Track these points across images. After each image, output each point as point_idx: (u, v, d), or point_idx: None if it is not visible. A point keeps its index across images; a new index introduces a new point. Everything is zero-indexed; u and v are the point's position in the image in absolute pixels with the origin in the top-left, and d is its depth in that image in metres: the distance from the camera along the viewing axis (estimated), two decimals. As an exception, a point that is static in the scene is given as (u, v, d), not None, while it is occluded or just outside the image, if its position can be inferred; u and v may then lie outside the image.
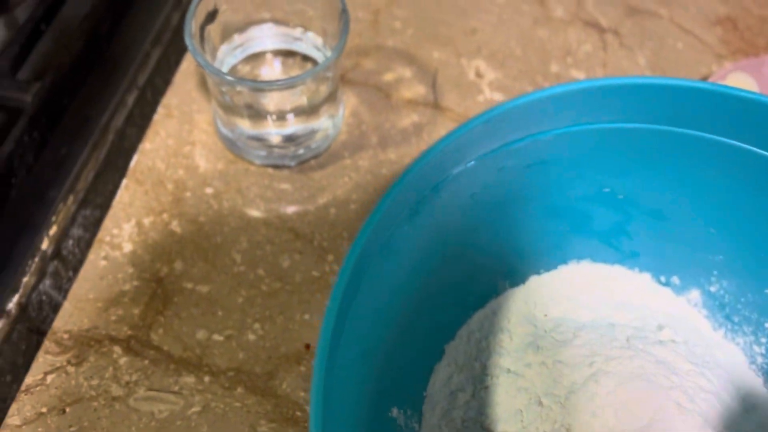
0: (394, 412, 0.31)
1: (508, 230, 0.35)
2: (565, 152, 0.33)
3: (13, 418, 0.33)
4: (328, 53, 0.40)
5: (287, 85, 0.35)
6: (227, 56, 0.40)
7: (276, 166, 0.41)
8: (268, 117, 0.39)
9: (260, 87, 0.35)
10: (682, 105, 0.31)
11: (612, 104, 0.32)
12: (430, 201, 0.29)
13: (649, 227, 0.36)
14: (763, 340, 0.35)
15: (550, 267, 0.37)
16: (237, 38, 0.40)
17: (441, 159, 0.28)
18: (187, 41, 0.35)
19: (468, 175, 0.30)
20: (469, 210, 0.32)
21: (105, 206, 0.43)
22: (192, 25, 0.36)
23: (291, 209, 0.41)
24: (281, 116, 0.39)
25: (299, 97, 0.37)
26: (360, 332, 0.28)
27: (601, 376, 0.31)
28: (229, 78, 0.35)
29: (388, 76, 0.47)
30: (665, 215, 0.35)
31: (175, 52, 0.49)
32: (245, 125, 0.39)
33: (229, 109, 0.39)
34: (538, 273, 0.37)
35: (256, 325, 0.37)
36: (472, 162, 0.30)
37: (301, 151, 0.41)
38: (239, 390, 0.35)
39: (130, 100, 0.45)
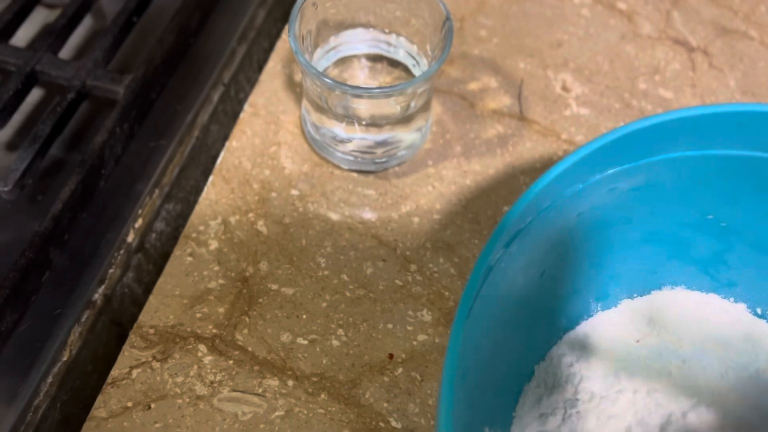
0: (486, 431, 0.31)
1: (606, 252, 0.34)
2: (675, 177, 0.32)
3: (99, 410, 0.33)
4: (422, 60, 0.40)
5: (386, 93, 0.35)
6: (321, 59, 0.40)
7: (360, 171, 0.41)
8: (360, 122, 0.38)
9: (359, 93, 0.35)
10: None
11: (725, 131, 0.31)
12: (539, 220, 0.29)
13: (750, 258, 0.35)
14: None
15: (643, 292, 0.36)
16: (332, 41, 0.40)
17: (557, 181, 0.28)
18: (291, 41, 0.35)
19: (579, 195, 0.30)
20: (573, 230, 0.32)
21: (187, 201, 0.43)
22: (296, 26, 0.35)
23: (374, 216, 0.40)
24: (372, 123, 0.38)
25: (393, 106, 0.37)
26: (463, 352, 0.27)
27: (703, 409, 0.30)
28: (329, 81, 0.35)
29: (473, 86, 0.46)
30: (767, 247, 0.34)
31: (258, 50, 0.49)
32: (336, 128, 0.39)
33: (322, 110, 0.38)
34: (631, 297, 0.36)
35: (340, 331, 0.36)
36: (585, 184, 0.30)
37: (386, 159, 0.40)
38: (323, 396, 0.34)
39: (216, 96, 0.45)
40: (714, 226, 0.34)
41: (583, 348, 0.35)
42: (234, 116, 0.46)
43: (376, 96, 0.35)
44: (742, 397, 0.31)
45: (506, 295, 0.31)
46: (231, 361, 0.35)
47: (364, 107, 0.37)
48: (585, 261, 0.34)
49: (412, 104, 0.38)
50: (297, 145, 0.42)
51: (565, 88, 0.46)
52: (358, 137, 0.39)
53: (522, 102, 0.46)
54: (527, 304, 0.33)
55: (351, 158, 0.40)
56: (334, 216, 0.40)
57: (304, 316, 0.37)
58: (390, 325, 0.37)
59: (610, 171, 0.30)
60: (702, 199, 0.33)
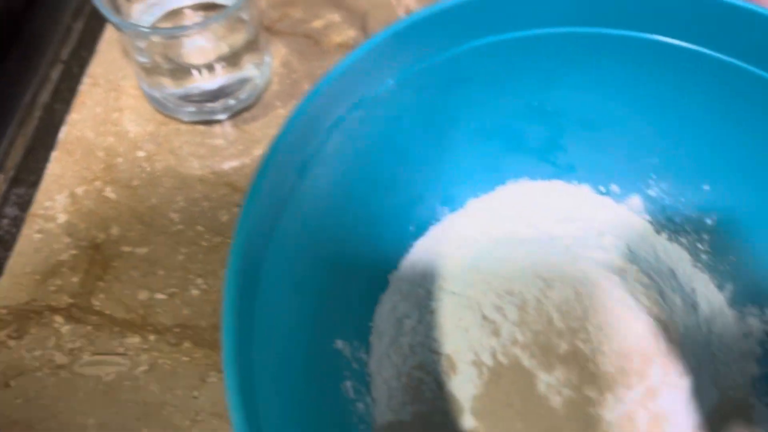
0: (339, 344, 0.31)
1: (440, 154, 0.34)
2: (484, 67, 0.32)
3: (-43, 398, 0.33)
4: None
5: (200, 28, 0.34)
6: (144, 14, 0.39)
7: (207, 122, 0.41)
8: (191, 71, 0.38)
9: (174, 34, 0.34)
10: (599, 2, 0.30)
11: (524, 9, 0.31)
12: (350, 120, 0.29)
13: (582, 138, 0.35)
14: (705, 237, 0.35)
15: (487, 189, 0.37)
16: (150, -7, 0.39)
17: (353, 78, 0.28)
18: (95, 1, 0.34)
19: (385, 97, 0.30)
20: (394, 135, 0.32)
21: (37, 182, 0.42)
22: (97, -18, 0.35)
23: (227, 164, 0.40)
24: (204, 68, 0.38)
25: (218, 45, 0.37)
26: (287, 265, 0.27)
27: (541, 284, 0.31)
28: (142, 29, 0.34)
29: (317, 23, 0.46)
30: (596, 123, 0.35)
31: (97, 24, 0.48)
32: (169, 83, 0.38)
33: (151, 68, 0.38)
34: (476, 196, 0.36)
35: (199, 281, 0.36)
36: (388, 84, 0.30)
37: (231, 102, 0.40)
38: (186, 345, 0.34)
39: (55, 74, 0.44)
40: (541, 112, 0.34)
41: (435, 252, 0.35)
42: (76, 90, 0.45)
43: (190, 33, 0.35)
44: (589, 268, 0.32)
45: (338, 206, 0.31)
46: (89, 327, 0.35)
47: (188, 52, 0.37)
48: (419, 166, 0.34)
49: (239, 39, 0.37)
50: (140, 108, 0.42)
51: (408, 12, 0.46)
52: (193, 86, 0.39)
53: (368, 32, 0.46)
54: (369, 215, 0.33)
55: (193, 110, 0.40)
56: (184, 171, 0.39)
57: (161, 272, 0.36)
58: (250, 266, 0.36)
59: (414, 67, 0.30)
60: (521, 86, 0.33)
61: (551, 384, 0.29)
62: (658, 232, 0.36)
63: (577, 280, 0.30)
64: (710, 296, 0.35)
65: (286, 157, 0.25)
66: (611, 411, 0.28)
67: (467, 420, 0.30)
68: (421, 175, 0.34)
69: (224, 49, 0.37)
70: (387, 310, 0.34)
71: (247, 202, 0.24)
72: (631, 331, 0.29)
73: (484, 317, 0.32)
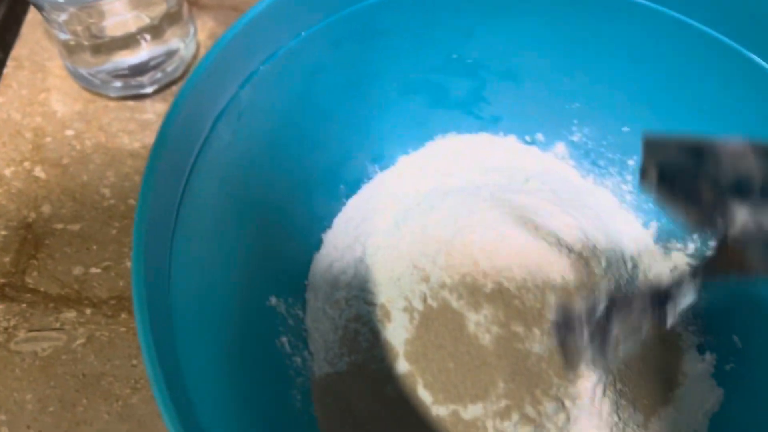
0: (273, 300, 0.31)
1: (366, 111, 0.35)
2: (400, 19, 0.32)
3: None
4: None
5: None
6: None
7: (136, 97, 0.40)
8: (114, 45, 0.37)
9: (88, 2, 0.34)
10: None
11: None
12: (265, 75, 0.29)
13: (504, 89, 0.36)
14: (629, 178, 0.36)
15: (417, 146, 0.37)
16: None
17: (261, 31, 0.28)
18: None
19: (300, 51, 0.30)
20: (315, 91, 0.32)
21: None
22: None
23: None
24: (127, 41, 0.38)
25: (138, 17, 0.36)
26: (206, 224, 0.27)
27: (466, 228, 0.31)
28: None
29: (244, -4, 0.46)
30: (518, 74, 0.35)
31: (23, 7, 0.47)
32: (93, 59, 0.38)
33: (74, 45, 0.37)
34: (406, 153, 0.37)
35: (134, 253, 0.36)
36: (300, 37, 0.30)
37: (158, 76, 0.40)
38: (123, 316, 0.34)
39: (-21, 60, 0.43)
40: (462, 65, 0.35)
41: (368, 209, 0.36)
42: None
43: (92, 2, 0.34)
44: (512, 210, 0.33)
45: (261, 163, 0.31)
46: (24, 305, 0.34)
47: (110, 24, 0.37)
48: (346, 124, 0.34)
49: (160, 10, 0.37)
50: (66, 87, 0.41)
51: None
52: (118, 61, 0.38)
53: (296, 3, 0.46)
54: (299, 174, 0.33)
55: (120, 85, 0.40)
56: (114, 147, 0.39)
57: (95, 247, 0.36)
58: (186, 236, 0.37)
59: (326, 20, 0.30)
60: (439, 39, 0.34)
61: (480, 323, 0.29)
62: (584, 177, 0.37)
63: (500, 222, 0.31)
64: (636, 235, 0.36)
65: (194, 111, 0.25)
66: (540, 344, 0.29)
67: (401, 365, 0.30)
68: (348, 133, 0.35)
69: (145, 20, 0.37)
70: (322, 267, 0.34)
71: (149, 163, 0.24)
72: (553, 267, 0.30)
73: (414, 265, 0.32)
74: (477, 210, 0.32)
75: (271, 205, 0.32)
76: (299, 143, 0.33)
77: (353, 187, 0.36)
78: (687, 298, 0.24)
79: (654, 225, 0.36)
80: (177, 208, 0.25)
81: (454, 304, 0.30)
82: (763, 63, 0.30)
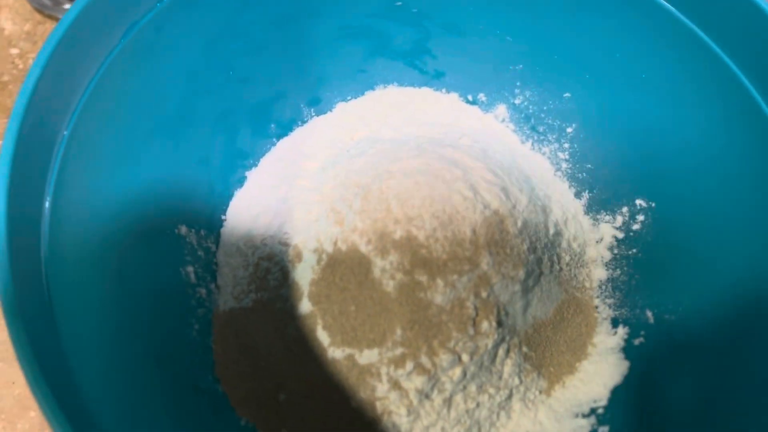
0: (182, 230, 0.31)
1: (302, 50, 0.34)
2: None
3: None
4: None
5: None
6: None
7: (85, 23, 0.40)
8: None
9: None
10: None
11: None
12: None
13: (449, 44, 0.35)
14: (566, 146, 0.36)
15: (357, 94, 0.37)
16: None
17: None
18: None
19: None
20: (244, 22, 0.31)
21: None
22: None
23: (104, 66, 0.39)
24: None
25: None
26: (106, 146, 0.27)
27: (385, 175, 0.31)
28: None
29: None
30: (462, 29, 0.35)
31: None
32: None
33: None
34: (345, 100, 0.37)
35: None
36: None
37: None
38: None
39: (-63, -27, 0.43)
40: (405, 14, 0.34)
41: (297, 151, 0.35)
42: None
43: None
44: (433, 161, 0.32)
45: (172, 92, 0.31)
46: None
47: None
48: (279, 63, 0.34)
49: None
50: (19, 7, 0.41)
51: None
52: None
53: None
54: (218, 106, 0.33)
55: (69, 7, 0.39)
56: (57, 69, 0.39)
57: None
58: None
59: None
60: (383, -16, 0.33)
61: (385, 269, 0.29)
62: (522, 142, 0.37)
63: (419, 171, 0.31)
64: (566, 203, 0.35)
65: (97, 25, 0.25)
66: (442, 295, 0.29)
67: (304, 305, 0.30)
68: (281, 70, 0.34)
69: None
70: (242, 205, 0.34)
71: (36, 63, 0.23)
72: (466, 221, 0.29)
73: (332, 209, 0.32)
74: (401, 158, 0.32)
75: (186, 133, 0.31)
76: (225, 75, 0.32)
77: (285, 128, 0.36)
78: None
79: (586, 196, 0.35)
80: (70, 122, 0.24)
81: (363, 248, 0.30)
82: (702, 33, 0.29)
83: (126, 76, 0.27)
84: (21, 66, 0.39)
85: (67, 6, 0.39)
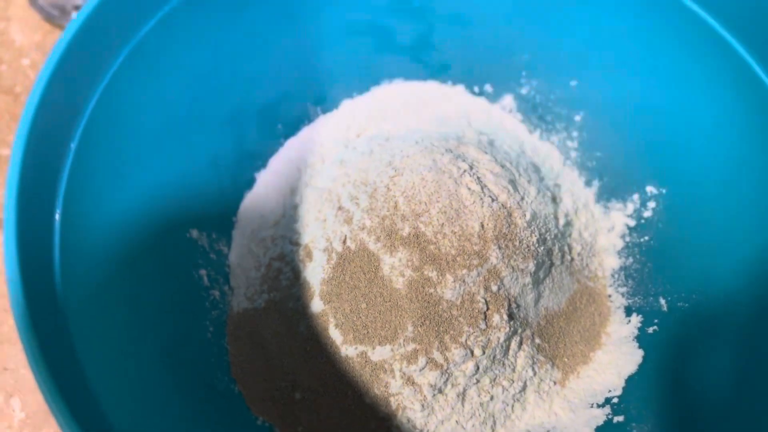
0: (194, 233, 0.31)
1: (308, 49, 0.34)
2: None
3: None
4: None
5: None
6: None
7: (93, 31, 0.40)
8: (69, -25, 0.37)
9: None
10: None
11: None
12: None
13: (453, 35, 0.35)
14: (575, 134, 0.35)
15: (362, 90, 0.37)
16: None
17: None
18: None
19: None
20: (248, 24, 0.32)
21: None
22: None
23: (113, 72, 0.40)
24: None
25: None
26: (118, 153, 0.27)
27: (392, 172, 0.31)
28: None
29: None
30: (466, 20, 0.35)
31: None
32: (49, -13, 0.38)
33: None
34: (350, 97, 0.37)
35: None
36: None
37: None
38: None
39: (-52, -13, 0.44)
40: (408, 8, 0.34)
41: (305, 150, 0.35)
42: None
43: None
44: (438, 156, 0.32)
45: (186, 98, 0.31)
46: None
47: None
48: (283, 62, 0.34)
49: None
50: (28, 18, 0.41)
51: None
52: (73, -8, 0.38)
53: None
54: (227, 109, 0.33)
55: (76, 18, 0.40)
56: (68, 78, 0.39)
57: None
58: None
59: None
60: (383, -21, 0.33)
61: (394, 266, 0.29)
62: (530, 132, 0.36)
63: (425, 167, 0.31)
64: (576, 192, 0.35)
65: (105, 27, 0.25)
66: (452, 291, 0.29)
67: (316, 304, 0.30)
68: (287, 69, 0.34)
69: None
70: (252, 206, 0.34)
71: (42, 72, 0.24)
72: (474, 215, 0.29)
73: (340, 207, 0.32)
74: (407, 155, 0.32)
75: (194, 137, 0.32)
76: (233, 76, 0.32)
77: (292, 128, 0.36)
78: None
79: (596, 184, 0.35)
80: (78, 131, 0.25)
81: (372, 246, 0.30)
82: (709, 17, 0.29)
83: (133, 82, 0.27)
84: (32, 76, 0.39)
85: (75, 15, 0.40)
